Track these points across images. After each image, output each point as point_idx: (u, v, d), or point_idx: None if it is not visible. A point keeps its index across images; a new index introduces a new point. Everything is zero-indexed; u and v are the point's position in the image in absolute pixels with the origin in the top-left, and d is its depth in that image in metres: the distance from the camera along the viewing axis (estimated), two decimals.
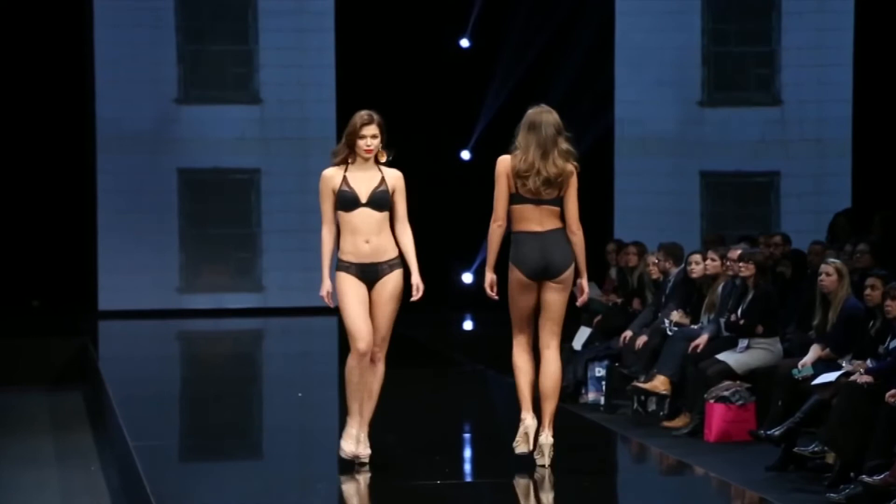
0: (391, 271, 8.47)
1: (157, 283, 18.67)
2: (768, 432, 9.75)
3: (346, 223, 8.48)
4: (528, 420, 8.60)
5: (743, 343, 10.89)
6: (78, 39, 18.42)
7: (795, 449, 9.53)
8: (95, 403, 13.63)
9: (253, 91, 18.87)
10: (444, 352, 15.24)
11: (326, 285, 8.53)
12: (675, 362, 11.26)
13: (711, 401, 10.53)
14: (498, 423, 11.41)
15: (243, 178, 19.00)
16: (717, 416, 10.48)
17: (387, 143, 8.47)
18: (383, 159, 8.49)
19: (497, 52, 18.14)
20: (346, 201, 8.43)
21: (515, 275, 8.52)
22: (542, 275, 8.43)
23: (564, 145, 8.48)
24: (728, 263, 11.33)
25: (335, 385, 13.73)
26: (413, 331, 15.22)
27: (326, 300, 8.53)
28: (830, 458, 9.32)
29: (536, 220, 8.47)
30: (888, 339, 9.46)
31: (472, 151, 18.51)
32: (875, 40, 17.85)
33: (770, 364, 10.70)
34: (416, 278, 8.47)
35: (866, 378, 9.22)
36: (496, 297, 8.69)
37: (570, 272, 8.44)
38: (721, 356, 10.86)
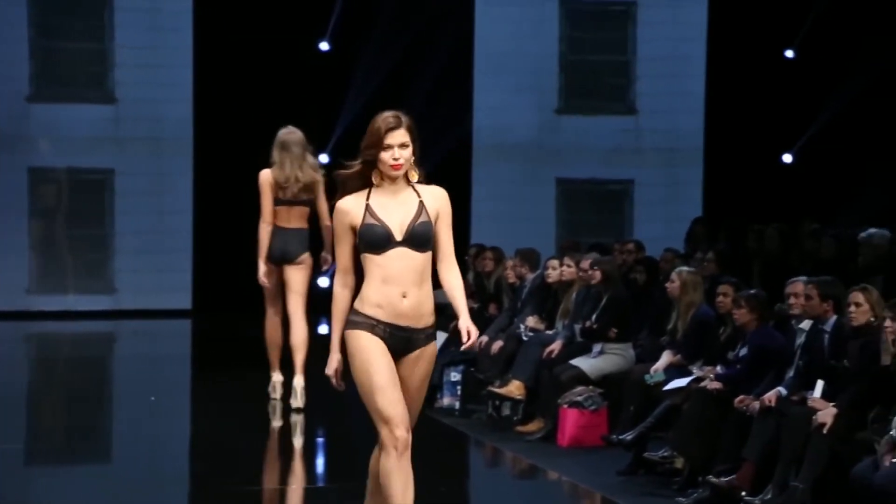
0: (427, 343, 6.28)
1: (6, 284, 18.29)
2: (620, 437, 9.85)
3: (374, 268, 6.18)
4: (276, 376, 11.26)
5: (597, 348, 10.99)
6: None
7: (646, 454, 9.64)
8: None
9: (107, 90, 18.59)
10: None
11: (336, 360, 6.30)
12: (530, 367, 11.32)
13: (565, 406, 10.61)
14: (350, 426, 11.38)
15: (96, 179, 18.70)
16: (570, 421, 10.56)
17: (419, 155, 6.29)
18: (415, 178, 6.24)
19: (357, 56, 18.11)
20: (375, 239, 6.16)
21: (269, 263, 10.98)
22: (282, 260, 11.00)
23: (311, 159, 10.82)
24: (582, 271, 11.44)
25: (187, 389, 13.59)
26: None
27: (334, 380, 6.34)
28: (679, 463, 9.45)
29: (286, 219, 10.96)
30: (738, 346, 9.62)
31: (330, 155, 18.45)
32: (726, 52, 18.18)
33: (623, 369, 10.81)
34: (465, 321, 6.27)
35: (716, 384, 9.36)
36: (268, 284, 11.03)
37: (305, 256, 11.10)
38: (575, 361, 10.95)
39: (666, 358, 10.31)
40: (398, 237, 6.15)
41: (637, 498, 9.07)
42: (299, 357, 11.03)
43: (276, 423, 10.85)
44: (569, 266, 11.68)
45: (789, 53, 18.35)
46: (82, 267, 18.66)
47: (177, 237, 18.26)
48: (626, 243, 13.42)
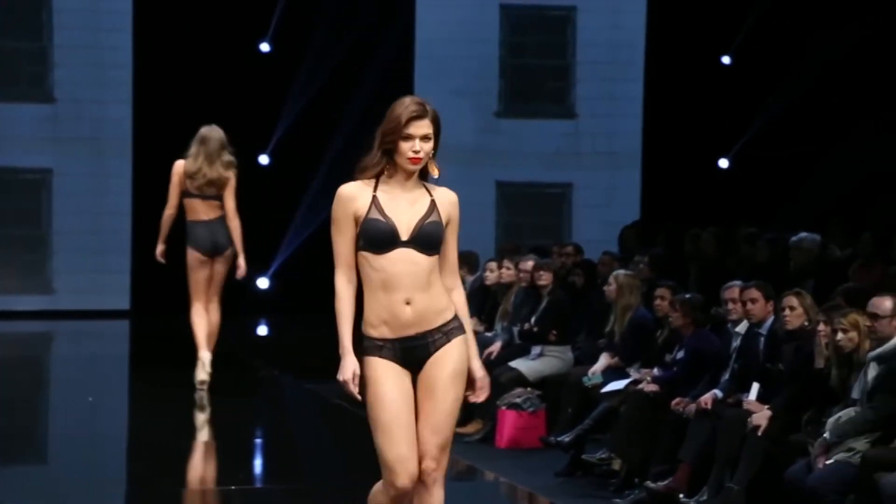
0: (448, 340, 5.59)
1: None
2: (558, 439, 9.92)
3: (374, 272, 5.55)
4: (205, 356, 11.70)
5: (536, 350, 11.06)
6: None
7: (583, 455, 9.72)
8: None
9: (46, 89, 18.46)
10: (239, 357, 15.12)
11: (350, 364, 5.53)
12: None
13: (503, 407, 10.67)
14: (292, 427, 11.39)
15: (34, 179, 18.56)
16: (509, 423, 10.62)
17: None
18: (436, 174, 5.70)
19: (298, 57, 18.09)
20: (378, 236, 5.55)
21: (194, 254, 11.43)
22: (213, 252, 11.38)
23: (227, 157, 11.26)
24: (521, 273, 11.50)
25: (125, 390, 13.54)
26: None
27: (350, 388, 5.54)
28: (617, 465, 9.53)
29: (204, 211, 11.34)
30: (674, 349, 9.72)
31: (270, 156, 18.43)
32: (665, 57, 18.32)
33: (561, 372, 10.89)
34: (477, 365, 5.67)
35: (652, 387, 9.45)
36: (164, 261, 11.49)
37: (230, 249, 11.37)
38: (514, 363, 11.02)
39: (604, 360, 10.40)
40: (404, 236, 5.53)
41: (574, 499, 9.15)
42: (211, 342, 11.85)
43: (216, 423, 10.85)
44: (508, 268, 11.75)
45: (726, 59, 18.53)
46: (20, 267, 18.52)
47: (115, 238, 18.16)
48: (565, 246, 13.51)
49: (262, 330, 17.82)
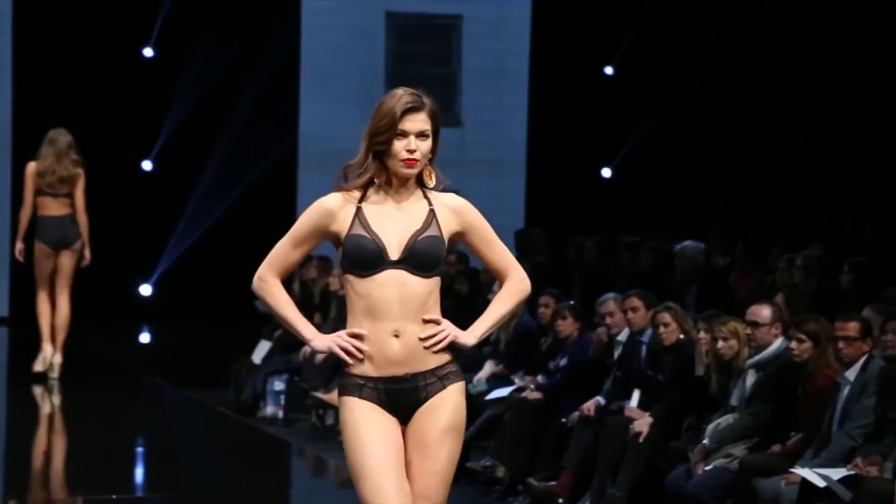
0: (443, 386, 4.72)
1: None
2: None
3: (357, 297, 4.67)
4: (47, 349, 12.14)
5: None
6: None
7: (468, 463, 9.76)
8: None
9: None
10: (121, 364, 14.97)
11: (323, 337, 4.78)
12: None
13: None
14: (173, 435, 11.30)
15: None
16: None
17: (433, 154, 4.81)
18: (431, 183, 4.78)
19: (182, 62, 17.94)
20: (361, 256, 4.66)
21: (40, 247, 12.07)
22: (60, 245, 12.03)
23: (74, 156, 11.94)
24: None
25: (3, 397, 13.32)
26: (88, 343, 14.90)
27: (348, 351, 4.70)
28: (501, 472, 9.59)
29: (54, 207, 11.99)
30: (558, 357, 9.80)
31: (154, 162, 18.26)
32: (549, 67, 18.48)
33: None
34: (469, 332, 4.85)
35: (536, 394, 9.53)
36: (21, 259, 12.21)
37: (79, 243, 12.02)
38: None
39: (488, 368, 10.46)
40: (393, 255, 4.63)
41: None
42: (61, 336, 12.27)
43: (96, 431, 10.72)
44: None
45: (609, 70, 18.73)
46: None
47: None
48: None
49: (145, 337, 17.64)
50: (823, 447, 7.48)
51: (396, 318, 4.63)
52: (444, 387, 4.69)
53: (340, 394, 4.73)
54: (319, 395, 11.49)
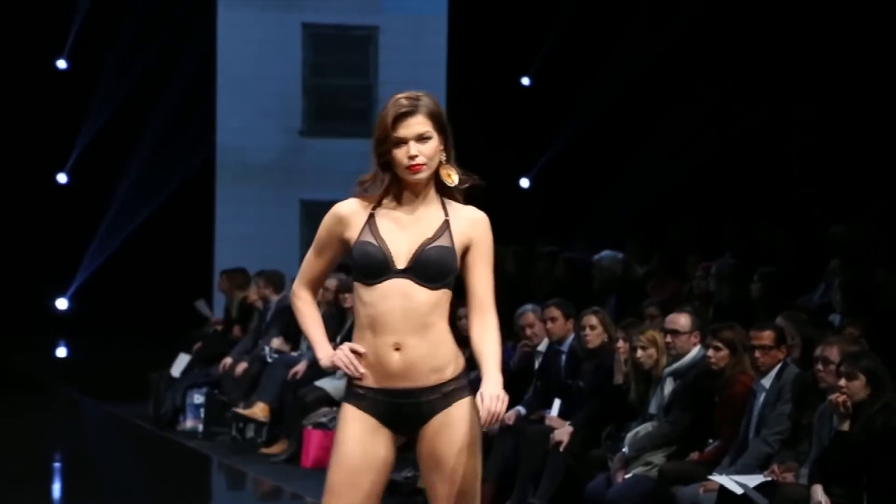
0: (447, 404, 4.50)
1: None
2: None
3: (363, 306, 4.53)
4: None
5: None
6: None
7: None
8: None
9: None
10: (39, 378, 14.84)
11: (335, 353, 4.57)
12: (275, 389, 11.35)
13: (309, 427, 10.68)
14: (92, 449, 11.23)
15: None
16: (315, 442, 10.62)
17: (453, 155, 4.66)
18: (452, 182, 4.62)
19: (96, 74, 17.82)
20: (367, 263, 4.51)
21: None
22: None
23: None
24: (325, 294, 11.51)
25: None
26: (5, 357, 14.77)
27: (346, 366, 4.51)
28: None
29: None
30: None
31: (69, 174, 18.11)
32: (465, 78, 18.56)
33: None
34: (490, 389, 4.41)
35: None
36: None
37: None
38: (319, 383, 11.03)
39: None
40: (399, 264, 4.47)
41: None
42: None
43: (13, 445, 10.63)
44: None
45: (525, 81, 18.84)
46: None
47: None
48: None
49: (62, 351, 17.49)
50: (740, 454, 7.58)
51: (398, 330, 4.45)
52: (448, 403, 4.47)
53: (343, 398, 4.58)
54: (239, 410, 11.46)
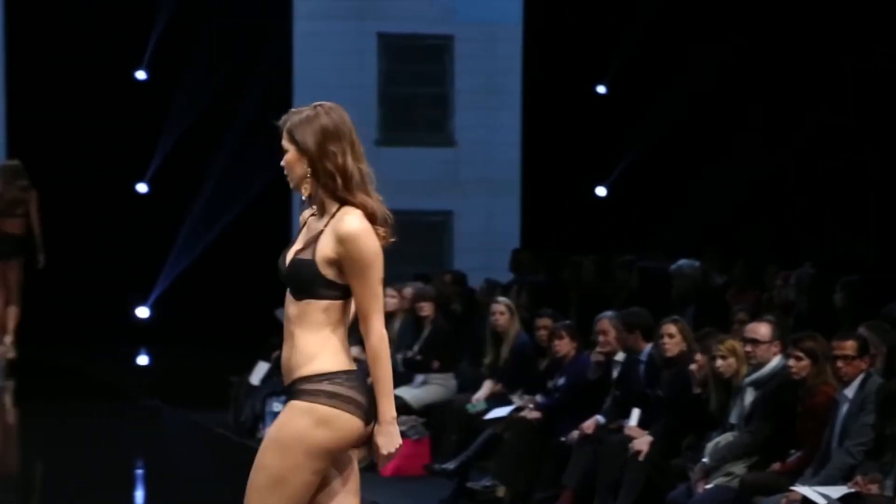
0: (289, 400, 4.75)
1: None
2: (442, 466, 9.99)
3: None
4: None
5: (419, 378, 11.12)
6: None
7: (468, 483, 9.79)
8: None
9: None
10: (120, 386, 14.98)
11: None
12: None
13: None
14: (172, 457, 11.32)
15: None
16: None
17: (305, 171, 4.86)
18: (303, 194, 4.82)
19: (175, 85, 17.98)
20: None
21: None
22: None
23: (20, 182, 13.83)
24: (403, 300, 11.55)
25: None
26: (87, 365, 14.92)
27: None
28: (501, 492, 9.62)
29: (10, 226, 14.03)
30: (556, 376, 9.84)
31: (148, 184, 18.29)
32: (541, 86, 18.55)
33: (445, 399, 10.96)
34: (380, 435, 4.94)
35: (535, 414, 9.56)
36: None
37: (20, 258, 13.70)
38: (397, 391, 11.04)
39: (487, 387, 10.49)
40: (283, 269, 4.74)
41: None
42: (12, 324, 14.26)
43: (97, 453, 10.74)
44: (391, 297, 11.80)
45: (601, 89, 18.81)
46: None
47: None
48: (445, 274, 13.59)
49: (143, 360, 17.65)
50: (823, 465, 7.53)
51: (285, 334, 4.73)
52: (288, 400, 4.71)
53: None
54: None
